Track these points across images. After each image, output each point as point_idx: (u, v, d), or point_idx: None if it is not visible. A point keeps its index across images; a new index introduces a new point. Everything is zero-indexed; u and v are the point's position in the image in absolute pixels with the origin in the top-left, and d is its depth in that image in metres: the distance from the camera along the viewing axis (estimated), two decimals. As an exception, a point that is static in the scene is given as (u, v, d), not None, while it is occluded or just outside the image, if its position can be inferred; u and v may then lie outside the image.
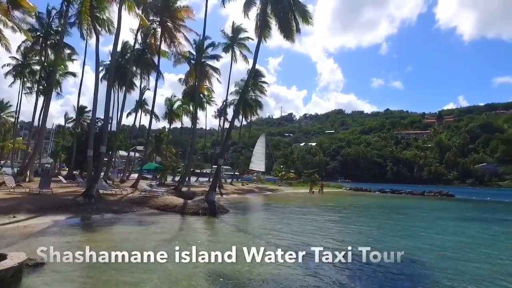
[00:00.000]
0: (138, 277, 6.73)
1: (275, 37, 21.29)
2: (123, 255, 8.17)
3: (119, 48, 29.02)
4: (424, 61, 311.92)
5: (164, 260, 7.94)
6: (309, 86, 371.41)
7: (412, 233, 14.73)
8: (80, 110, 38.72)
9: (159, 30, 29.75)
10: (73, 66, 37.48)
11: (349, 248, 10.55)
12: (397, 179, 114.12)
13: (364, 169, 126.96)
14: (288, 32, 20.18)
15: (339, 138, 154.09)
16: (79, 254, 8.29)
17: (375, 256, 9.43)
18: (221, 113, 51.48)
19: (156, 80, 31.61)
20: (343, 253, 9.79)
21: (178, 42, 29.80)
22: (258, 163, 66.06)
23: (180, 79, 42.39)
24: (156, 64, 32.46)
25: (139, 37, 31.66)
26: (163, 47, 30.27)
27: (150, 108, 38.09)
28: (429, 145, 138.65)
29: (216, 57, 38.11)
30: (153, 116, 35.78)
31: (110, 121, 26.55)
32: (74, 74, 36.47)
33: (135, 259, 7.83)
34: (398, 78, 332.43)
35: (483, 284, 7.41)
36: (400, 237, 13.48)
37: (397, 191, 51.25)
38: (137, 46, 32.26)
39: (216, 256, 8.79)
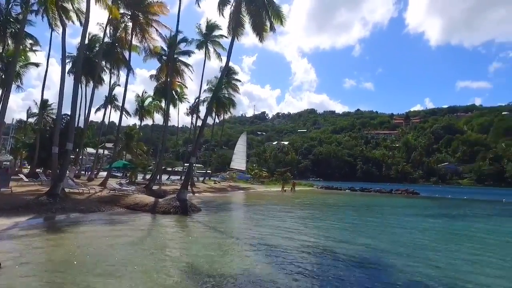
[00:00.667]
0: (102, 279, 6.46)
1: (250, 36, 21.27)
2: (88, 257, 7.89)
3: (87, 41, 27.83)
4: (394, 63, 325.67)
5: (132, 261, 7.74)
6: (282, 86, 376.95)
7: (379, 229, 15.25)
8: (44, 104, 36.85)
9: (130, 24, 28.84)
10: (36, 58, 35.51)
11: (318, 245, 10.82)
12: (366, 178, 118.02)
13: (335, 168, 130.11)
14: (261, 31, 20.22)
15: (311, 137, 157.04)
16: (40, 257, 7.91)
17: (341, 251, 9.73)
18: (194, 110, 50.84)
19: (127, 75, 30.58)
20: (310, 249, 10.02)
21: (150, 37, 29.08)
22: (239, 161, 66.10)
23: (151, 75, 41.46)
24: (127, 59, 31.48)
25: (108, 31, 30.53)
26: (134, 41, 29.44)
27: (120, 104, 36.91)
28: (397, 145, 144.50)
29: (188, 53, 37.62)
30: (123, 112, 34.64)
31: (77, 117, 25.45)
32: (36, 65, 34.46)
33: (101, 260, 7.58)
34: (369, 79, 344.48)
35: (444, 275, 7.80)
36: (369, 234, 13.91)
37: (367, 189, 52.82)
38: (106, 39, 31.11)
39: (186, 255, 8.71)
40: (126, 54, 31.68)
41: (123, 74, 37.36)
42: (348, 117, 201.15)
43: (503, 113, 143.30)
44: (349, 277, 7.47)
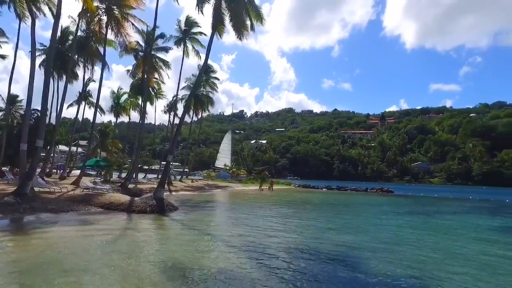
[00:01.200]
0: (74, 281, 6.17)
1: (230, 34, 21.03)
2: (58, 258, 7.53)
3: (59, 33, 26.69)
4: (371, 65, 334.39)
5: (106, 261, 7.46)
6: (261, 84, 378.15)
7: (356, 226, 15.53)
8: (11, 99, 35.02)
9: (104, 18, 27.89)
10: (2, 50, 33.26)
11: (295, 242, 10.87)
12: (343, 177, 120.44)
13: (312, 167, 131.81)
14: (241, 30, 20.06)
15: (289, 136, 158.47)
16: (5, 259, 7.47)
17: (313, 249, 9.82)
18: (171, 108, 50.01)
19: (102, 71, 29.39)
20: (288, 246, 10.05)
21: (126, 32, 28.23)
22: (223, 160, 66.06)
23: (127, 70, 40.42)
24: (102, 53, 30.42)
25: (81, 23, 29.35)
26: (110, 36, 28.50)
27: (94, 100, 35.66)
28: (373, 145, 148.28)
29: (165, 49, 36.78)
30: (98, 109, 33.49)
31: (48, 113, 24.38)
32: (3, 57, 32.67)
33: (72, 261, 7.26)
34: (347, 80, 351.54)
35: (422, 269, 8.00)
36: (346, 231, 14.12)
37: (343, 188, 53.96)
38: (80, 33, 29.97)
39: (162, 254, 8.50)
40: (102, 49, 30.65)
41: (98, 69, 36.12)
42: (325, 116, 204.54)
43: (471, 115, 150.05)
44: (327, 274, 7.52)
